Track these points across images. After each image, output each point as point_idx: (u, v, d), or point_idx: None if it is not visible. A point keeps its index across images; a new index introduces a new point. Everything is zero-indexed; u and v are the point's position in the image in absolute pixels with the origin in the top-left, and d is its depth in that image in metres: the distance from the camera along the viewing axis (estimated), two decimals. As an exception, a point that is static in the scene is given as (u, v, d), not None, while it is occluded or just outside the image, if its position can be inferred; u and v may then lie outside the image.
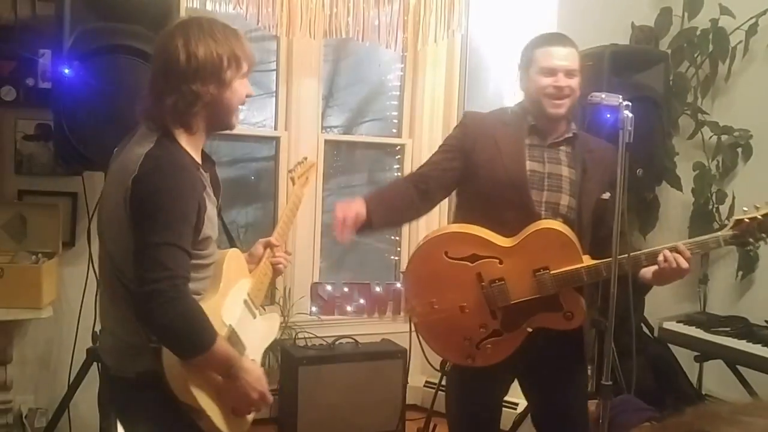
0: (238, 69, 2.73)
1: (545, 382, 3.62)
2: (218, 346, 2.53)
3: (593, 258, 3.37)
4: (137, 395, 2.68)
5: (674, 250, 3.30)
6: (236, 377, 2.63)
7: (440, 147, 3.74)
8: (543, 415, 3.77)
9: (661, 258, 3.29)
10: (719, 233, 3.39)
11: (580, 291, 3.43)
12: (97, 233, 2.88)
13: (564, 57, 3.43)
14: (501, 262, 3.38)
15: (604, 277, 3.30)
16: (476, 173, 3.48)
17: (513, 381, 3.75)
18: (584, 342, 3.66)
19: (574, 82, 3.43)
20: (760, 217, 3.28)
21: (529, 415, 4.13)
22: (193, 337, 2.49)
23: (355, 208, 3.38)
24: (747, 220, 3.30)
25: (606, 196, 3.43)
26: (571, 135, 3.51)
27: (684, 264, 3.30)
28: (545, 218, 3.40)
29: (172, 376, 2.54)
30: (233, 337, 2.72)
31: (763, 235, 3.31)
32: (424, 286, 3.51)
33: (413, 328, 3.65)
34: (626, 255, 3.21)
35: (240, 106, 2.84)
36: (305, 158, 3.70)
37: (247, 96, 2.86)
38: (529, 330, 3.41)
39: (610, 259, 3.21)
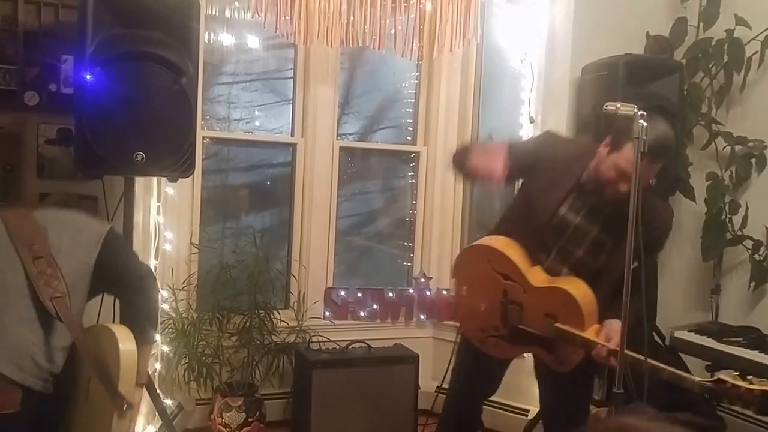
0: None
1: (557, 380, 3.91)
2: None
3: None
4: None
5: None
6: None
7: (526, 144, 4.29)
8: (550, 414, 4.17)
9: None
10: (697, 379, 3.39)
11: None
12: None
13: (646, 172, 3.36)
14: (524, 292, 3.72)
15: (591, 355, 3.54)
16: (524, 191, 3.90)
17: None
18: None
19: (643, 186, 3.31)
20: (743, 389, 3.20)
21: (540, 422, 4.49)
22: None
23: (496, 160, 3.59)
24: (729, 385, 3.25)
25: (634, 265, 3.32)
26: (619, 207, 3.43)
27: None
28: (555, 261, 3.74)
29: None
30: None
31: (739, 404, 3.27)
32: (464, 276, 4.02)
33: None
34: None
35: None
36: None
37: None
38: (524, 356, 4.03)
39: (605, 343, 3.47)
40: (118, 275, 3.31)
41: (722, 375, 3.31)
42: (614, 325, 3.47)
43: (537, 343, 3.76)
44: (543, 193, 3.70)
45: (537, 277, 3.73)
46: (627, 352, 3.33)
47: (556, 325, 3.62)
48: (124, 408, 3.03)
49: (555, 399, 4.06)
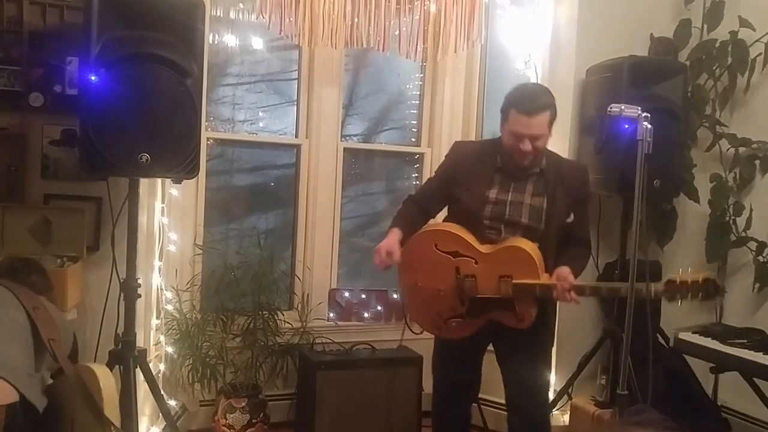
0: None
1: (507, 351, 4.32)
2: None
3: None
4: None
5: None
6: None
7: (435, 173, 4.51)
8: (507, 382, 4.34)
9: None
10: (652, 285, 3.93)
11: (536, 301, 4.07)
12: None
13: (531, 126, 3.96)
14: (476, 263, 4.12)
15: (549, 297, 4.05)
16: (455, 198, 4.25)
17: (485, 348, 4.47)
18: (549, 311, 4.27)
19: (540, 142, 4.00)
20: (690, 281, 3.82)
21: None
22: None
23: (392, 242, 4.13)
24: (678, 281, 3.84)
25: (569, 219, 4.19)
26: (537, 171, 4.16)
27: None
28: (508, 234, 4.15)
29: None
30: None
31: (689, 294, 3.85)
32: (413, 267, 4.27)
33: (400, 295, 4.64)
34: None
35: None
36: None
37: None
38: (488, 320, 4.16)
39: (560, 282, 3.95)
40: None
41: (670, 276, 3.87)
42: (562, 270, 4.00)
43: (497, 307, 4.10)
44: (468, 188, 4.17)
45: (485, 247, 4.13)
46: (578, 283, 3.99)
47: (514, 281, 4.01)
48: (112, 430, 3.18)
49: (519, 373, 4.25)
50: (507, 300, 4.06)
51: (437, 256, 4.20)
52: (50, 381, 3.40)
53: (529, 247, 4.05)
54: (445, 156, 4.46)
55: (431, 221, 4.52)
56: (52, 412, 3.23)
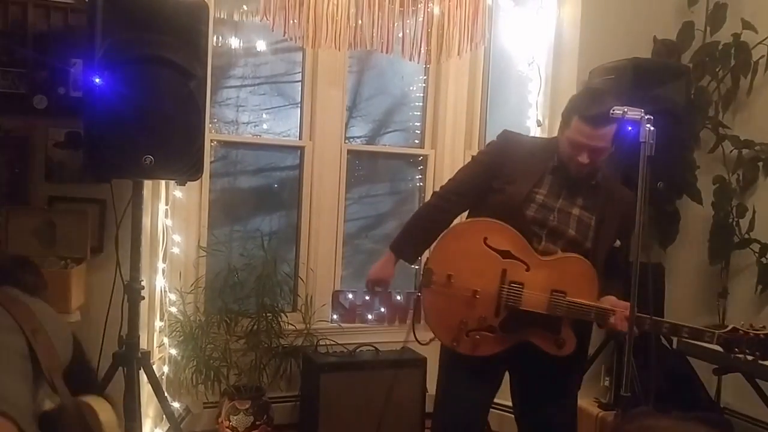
0: None
1: (534, 388, 3.83)
2: None
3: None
4: None
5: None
6: None
7: (471, 163, 4.04)
8: (528, 424, 3.94)
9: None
10: (716, 331, 3.51)
11: (581, 328, 3.64)
12: None
13: (596, 139, 3.52)
14: (528, 269, 3.59)
15: (605, 324, 3.55)
16: (494, 190, 3.72)
17: (501, 383, 3.93)
18: (585, 353, 3.92)
19: (602, 156, 3.59)
20: (753, 334, 3.45)
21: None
22: None
23: (385, 275, 3.93)
24: (742, 332, 3.47)
25: (617, 244, 3.69)
26: (593, 183, 3.71)
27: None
28: (549, 241, 3.65)
29: None
30: None
31: (752, 349, 3.47)
32: (451, 258, 3.68)
33: (418, 291, 3.86)
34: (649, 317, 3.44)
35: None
36: None
37: None
38: (521, 340, 3.61)
39: (621, 310, 3.46)
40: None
41: (733, 325, 3.49)
42: (612, 299, 3.54)
43: (538, 326, 3.57)
44: (513, 181, 3.67)
45: (542, 254, 3.64)
46: (641, 315, 3.40)
47: (569, 299, 3.53)
48: None
49: (545, 414, 3.82)
50: (552, 320, 3.56)
51: (484, 252, 3.63)
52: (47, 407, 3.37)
53: (587, 264, 3.59)
54: (489, 144, 3.99)
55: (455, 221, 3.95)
56: None
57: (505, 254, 3.61)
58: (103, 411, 3.27)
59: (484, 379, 3.79)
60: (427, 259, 3.80)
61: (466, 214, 3.97)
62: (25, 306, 3.39)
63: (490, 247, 3.63)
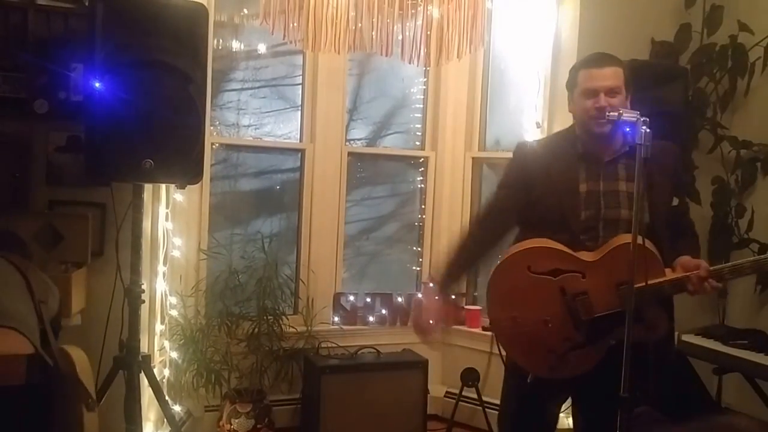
0: None
1: (598, 408, 3.61)
2: None
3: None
4: None
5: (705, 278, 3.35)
6: None
7: (499, 186, 3.79)
8: None
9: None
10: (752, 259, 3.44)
11: (663, 302, 3.52)
12: None
13: (604, 77, 3.46)
14: (584, 276, 3.45)
15: (688, 291, 3.39)
16: (534, 204, 3.57)
17: (566, 400, 3.84)
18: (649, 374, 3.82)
19: (617, 100, 3.45)
20: None
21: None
22: None
23: (440, 313, 3.72)
24: None
25: (675, 202, 3.54)
26: (627, 149, 3.49)
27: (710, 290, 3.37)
28: (606, 235, 3.47)
29: None
30: None
31: None
32: (506, 300, 3.54)
33: (495, 341, 3.71)
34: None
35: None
36: None
37: None
38: (613, 342, 3.41)
39: (695, 272, 3.33)
40: None
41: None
42: (686, 260, 3.41)
43: (622, 323, 3.22)
44: (551, 187, 3.53)
45: (588, 255, 3.48)
46: (716, 267, 3.36)
47: (636, 286, 3.20)
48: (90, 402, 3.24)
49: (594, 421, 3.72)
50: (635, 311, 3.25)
51: (534, 281, 3.48)
52: None
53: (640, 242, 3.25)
54: (510, 161, 3.78)
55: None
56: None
57: (555, 273, 3.47)
58: (79, 359, 3.36)
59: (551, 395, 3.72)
60: (488, 312, 3.71)
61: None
62: (22, 261, 3.46)
63: (536, 273, 3.48)
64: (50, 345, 3.16)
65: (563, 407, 3.96)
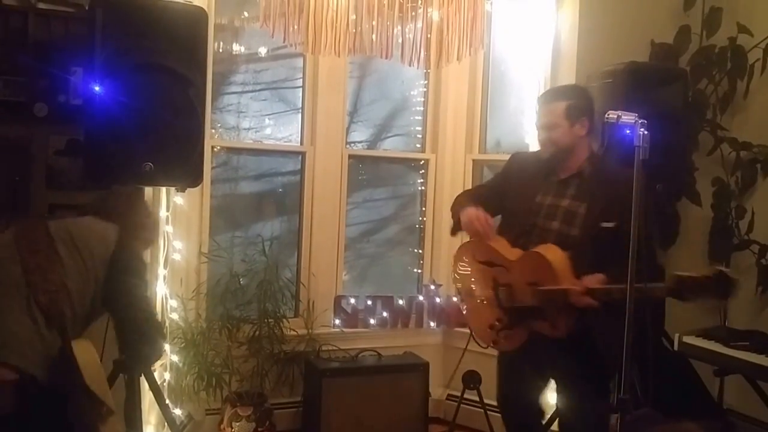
0: None
1: (561, 382, 4.23)
2: None
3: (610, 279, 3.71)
4: None
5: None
6: None
7: (492, 179, 4.65)
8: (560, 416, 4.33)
9: None
10: (661, 284, 3.63)
11: (570, 311, 3.80)
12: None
13: (542, 115, 4.05)
14: (508, 271, 4.01)
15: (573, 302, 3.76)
16: (505, 204, 4.20)
17: (547, 384, 4.44)
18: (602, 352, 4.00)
19: (555, 134, 3.98)
20: (699, 276, 3.48)
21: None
22: None
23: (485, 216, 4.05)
24: (686, 277, 3.52)
25: (609, 225, 3.81)
26: (575, 172, 4.02)
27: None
28: (542, 243, 3.93)
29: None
30: None
31: (702, 294, 3.53)
32: (460, 276, 4.33)
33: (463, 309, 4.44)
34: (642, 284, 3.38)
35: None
36: None
37: None
38: (531, 330, 3.96)
39: (574, 287, 3.72)
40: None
41: (677, 272, 3.57)
42: (590, 276, 3.74)
43: (532, 317, 3.91)
44: (516, 195, 4.12)
45: (515, 253, 4.00)
46: (592, 286, 3.69)
47: (538, 288, 3.83)
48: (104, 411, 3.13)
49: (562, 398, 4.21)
50: (543, 309, 3.86)
51: (477, 267, 4.20)
52: None
53: (550, 253, 3.84)
54: (503, 167, 4.42)
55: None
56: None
57: (490, 263, 4.10)
58: (88, 362, 3.21)
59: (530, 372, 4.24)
60: (454, 278, 4.39)
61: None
62: (39, 228, 3.28)
63: (478, 261, 4.18)
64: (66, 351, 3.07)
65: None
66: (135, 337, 3.32)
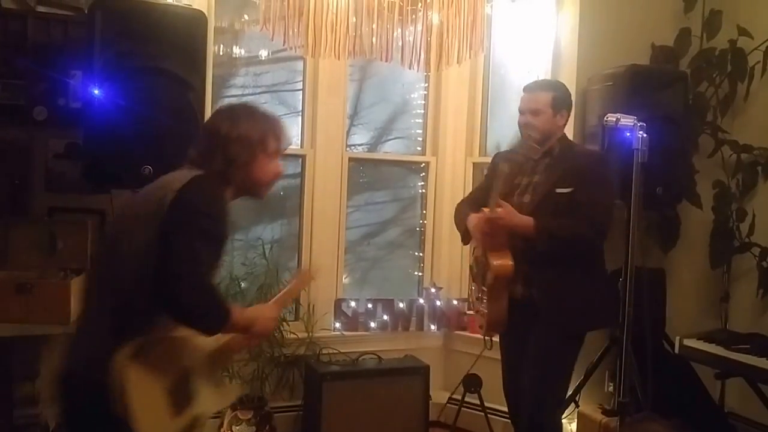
0: (265, 149, 3.01)
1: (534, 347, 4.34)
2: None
3: None
4: None
5: None
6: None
7: (482, 180, 4.91)
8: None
9: None
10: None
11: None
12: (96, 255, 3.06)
13: (529, 100, 4.33)
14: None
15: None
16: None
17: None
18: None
19: (539, 119, 4.28)
20: None
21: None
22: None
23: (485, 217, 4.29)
24: None
25: (565, 190, 4.14)
26: (545, 151, 4.33)
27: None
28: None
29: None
30: None
31: None
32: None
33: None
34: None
35: (272, 181, 3.23)
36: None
37: (277, 174, 3.16)
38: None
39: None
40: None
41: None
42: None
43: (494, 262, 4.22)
44: (502, 181, 4.26)
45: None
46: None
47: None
48: None
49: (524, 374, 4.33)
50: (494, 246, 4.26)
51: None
52: None
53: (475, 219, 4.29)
54: (489, 166, 4.75)
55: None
56: None
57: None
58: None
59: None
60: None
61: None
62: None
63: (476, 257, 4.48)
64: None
65: (565, 413, 4.64)
66: None
